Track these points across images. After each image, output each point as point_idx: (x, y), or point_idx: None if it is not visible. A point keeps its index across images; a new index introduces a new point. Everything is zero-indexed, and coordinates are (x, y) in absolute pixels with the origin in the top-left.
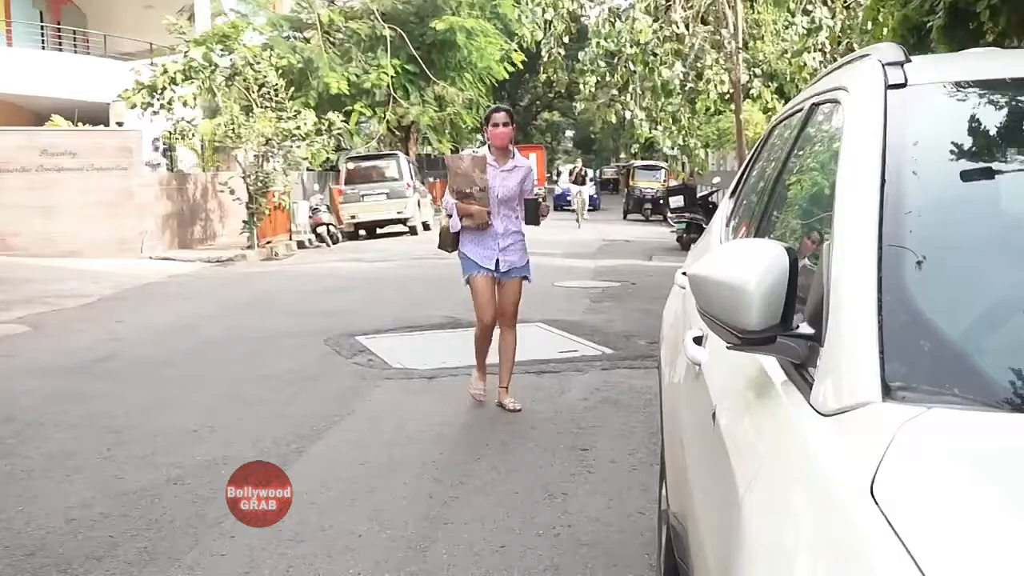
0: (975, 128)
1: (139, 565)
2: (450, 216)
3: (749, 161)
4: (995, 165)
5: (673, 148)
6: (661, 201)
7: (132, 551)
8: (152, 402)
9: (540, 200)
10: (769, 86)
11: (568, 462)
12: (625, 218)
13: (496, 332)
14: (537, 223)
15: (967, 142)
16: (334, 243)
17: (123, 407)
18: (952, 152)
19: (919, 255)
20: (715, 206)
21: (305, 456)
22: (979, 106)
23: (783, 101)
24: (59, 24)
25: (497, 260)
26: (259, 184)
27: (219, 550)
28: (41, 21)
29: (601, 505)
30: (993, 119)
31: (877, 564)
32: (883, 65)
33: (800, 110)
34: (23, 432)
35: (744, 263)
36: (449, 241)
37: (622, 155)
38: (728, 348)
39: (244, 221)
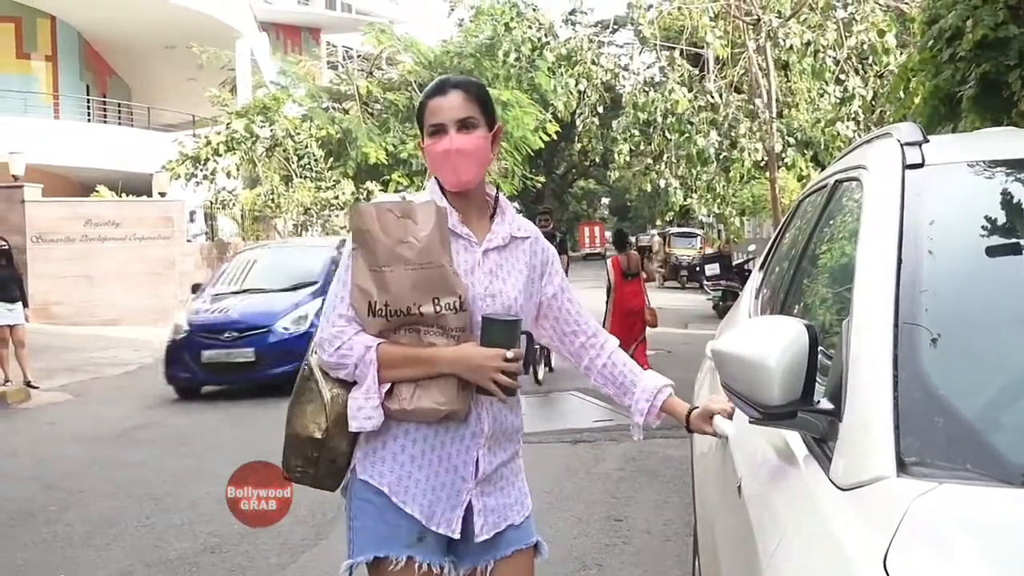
0: (990, 207)
1: None
2: (345, 379)
3: (778, 234)
4: (1010, 243)
5: (709, 216)
6: (697, 268)
7: None
8: (190, 470)
9: (518, 320)
10: (805, 154)
11: (603, 533)
12: (662, 285)
13: None
14: (512, 385)
15: (982, 221)
16: None
17: (162, 475)
18: (967, 231)
19: (934, 333)
20: (750, 273)
21: (340, 524)
22: (994, 185)
23: (818, 169)
24: (104, 97)
25: (468, 505)
26: None
27: None
28: (87, 94)
29: None
30: (1008, 198)
31: None
32: (902, 145)
33: (825, 186)
34: (64, 500)
35: (765, 340)
36: (337, 453)
37: (658, 222)
38: (750, 423)
39: None
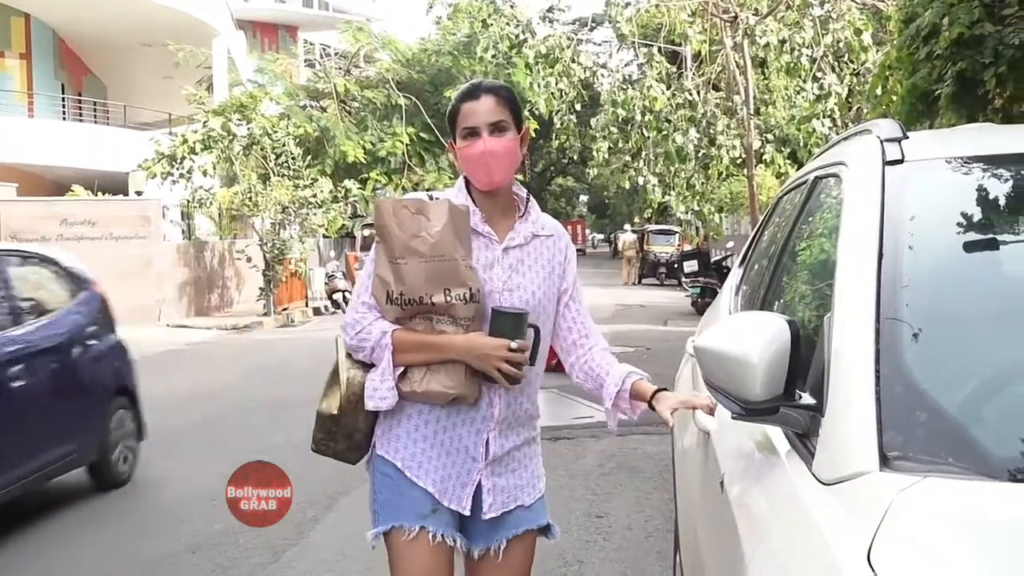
0: (970, 202)
1: None
2: (362, 362)
3: (757, 231)
4: (989, 239)
5: (687, 213)
6: (675, 266)
7: None
8: (170, 470)
9: (524, 313)
10: (782, 151)
11: (583, 529)
12: (639, 283)
13: None
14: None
15: (962, 216)
16: None
17: (141, 475)
18: (947, 226)
19: (915, 327)
20: (729, 270)
21: (321, 523)
22: (974, 181)
23: (796, 166)
24: (80, 95)
25: (479, 486)
26: (276, 251)
27: None
28: (63, 93)
29: (616, 573)
30: (988, 193)
31: None
32: (881, 141)
33: (805, 182)
34: (42, 501)
35: (747, 336)
36: (354, 428)
37: (636, 219)
38: (733, 418)
39: (261, 288)
